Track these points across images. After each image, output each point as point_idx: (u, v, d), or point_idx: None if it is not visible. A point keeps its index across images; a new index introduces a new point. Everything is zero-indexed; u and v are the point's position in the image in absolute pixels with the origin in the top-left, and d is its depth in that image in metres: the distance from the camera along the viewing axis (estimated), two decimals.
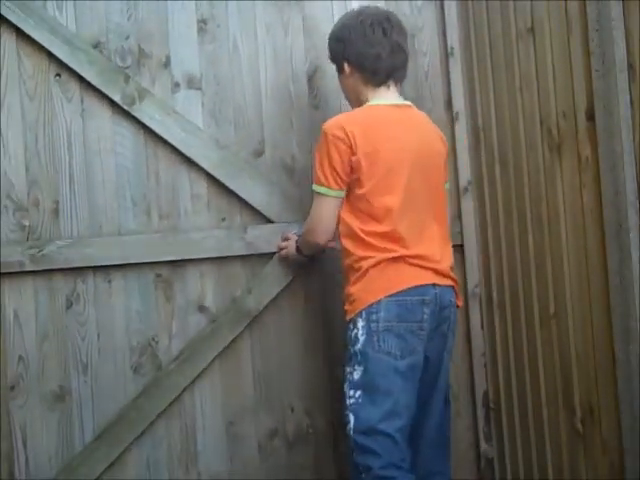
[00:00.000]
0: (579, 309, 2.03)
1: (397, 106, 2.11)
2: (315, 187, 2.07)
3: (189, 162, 2.36)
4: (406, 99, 2.18)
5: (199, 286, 2.37)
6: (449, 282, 2.05)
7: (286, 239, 2.32)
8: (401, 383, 1.93)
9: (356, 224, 2.01)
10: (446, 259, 2.08)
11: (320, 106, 2.45)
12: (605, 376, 1.94)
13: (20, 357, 2.23)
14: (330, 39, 2.18)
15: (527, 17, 2.17)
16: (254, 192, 2.38)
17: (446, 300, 2.03)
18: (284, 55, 2.45)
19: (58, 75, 2.28)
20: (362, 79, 2.10)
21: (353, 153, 1.98)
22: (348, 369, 1.98)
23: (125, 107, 2.30)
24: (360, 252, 1.99)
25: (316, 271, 2.42)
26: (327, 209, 2.06)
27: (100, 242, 2.28)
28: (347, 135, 1.99)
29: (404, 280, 1.96)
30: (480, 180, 2.48)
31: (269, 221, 2.39)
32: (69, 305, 2.27)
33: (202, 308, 2.37)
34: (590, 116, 1.93)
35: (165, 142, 2.33)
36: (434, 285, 1.99)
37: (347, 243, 2.03)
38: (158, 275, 2.33)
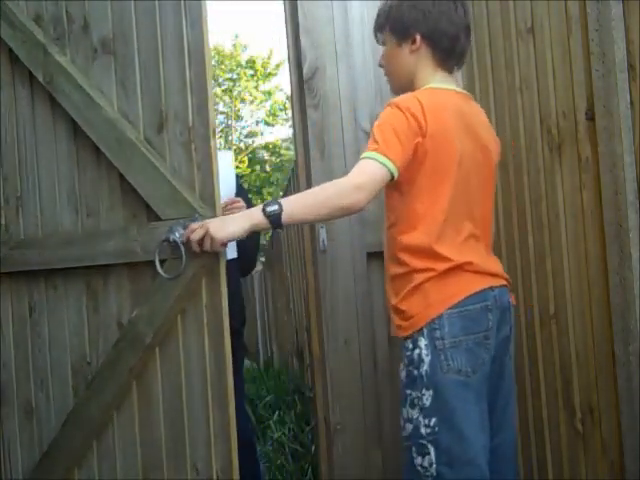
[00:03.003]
0: (579, 309, 2.03)
1: (458, 93, 1.91)
2: (367, 154, 1.74)
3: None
4: None
5: (118, 298, 2.08)
6: (503, 282, 1.88)
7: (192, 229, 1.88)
8: (474, 400, 1.75)
9: (409, 229, 1.79)
10: (496, 260, 1.93)
11: (320, 106, 2.44)
12: (605, 376, 1.94)
13: (4, 364, 2.19)
14: (402, 4, 1.88)
15: (527, 17, 2.16)
16: (145, 181, 2.01)
17: (505, 301, 1.86)
18: None
19: (16, 60, 2.16)
20: (431, 59, 1.87)
21: (423, 135, 1.74)
22: (413, 393, 1.75)
23: (45, 85, 2.10)
24: (416, 263, 1.77)
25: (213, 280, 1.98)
26: (379, 179, 1.73)
27: (40, 244, 2.14)
28: (422, 113, 1.74)
29: (463, 288, 1.77)
30: None
31: (157, 218, 2.02)
32: (30, 312, 2.17)
33: (120, 325, 2.07)
34: (590, 116, 1.92)
35: (78, 125, 2.09)
36: (491, 288, 1.82)
37: (398, 250, 1.82)
38: (88, 283, 2.11)
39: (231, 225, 1.82)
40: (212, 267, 1.97)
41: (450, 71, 1.90)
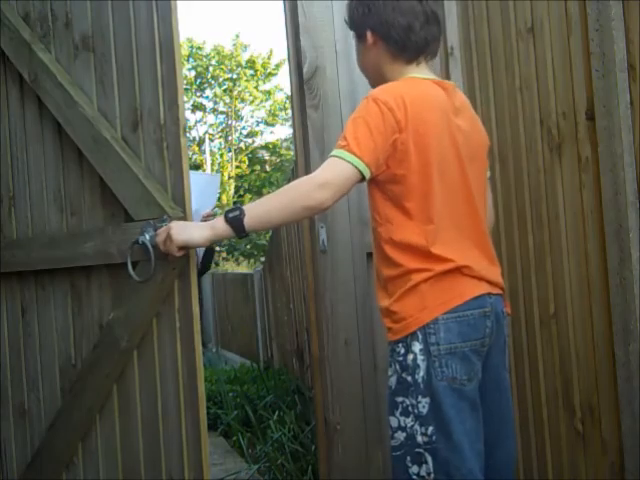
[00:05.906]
0: (579, 309, 2.03)
1: (438, 82, 1.80)
2: (334, 152, 1.67)
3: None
4: None
5: (99, 300, 2.04)
6: (499, 290, 1.79)
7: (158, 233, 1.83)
8: (469, 409, 1.67)
9: (401, 229, 1.70)
10: (496, 264, 1.83)
11: (320, 106, 2.44)
12: (605, 376, 1.94)
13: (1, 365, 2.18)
14: (351, 1, 1.84)
15: (527, 17, 2.16)
16: (119, 181, 1.97)
17: (499, 311, 1.77)
18: None
19: (8, 58, 2.15)
20: (387, 53, 1.78)
21: (400, 130, 1.65)
22: (407, 400, 1.66)
23: (30, 84, 2.08)
24: (411, 264, 1.69)
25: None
26: (345, 178, 1.65)
27: (28, 244, 2.11)
28: (400, 107, 1.65)
29: (461, 292, 1.69)
30: None
31: (132, 219, 1.96)
32: (23, 313, 2.14)
33: (101, 327, 2.03)
34: (590, 116, 1.93)
35: (60, 124, 2.06)
36: (489, 294, 1.73)
37: (390, 250, 1.72)
38: (72, 284, 2.07)
39: (192, 230, 1.77)
40: (183, 270, 1.92)
41: (417, 63, 1.80)
